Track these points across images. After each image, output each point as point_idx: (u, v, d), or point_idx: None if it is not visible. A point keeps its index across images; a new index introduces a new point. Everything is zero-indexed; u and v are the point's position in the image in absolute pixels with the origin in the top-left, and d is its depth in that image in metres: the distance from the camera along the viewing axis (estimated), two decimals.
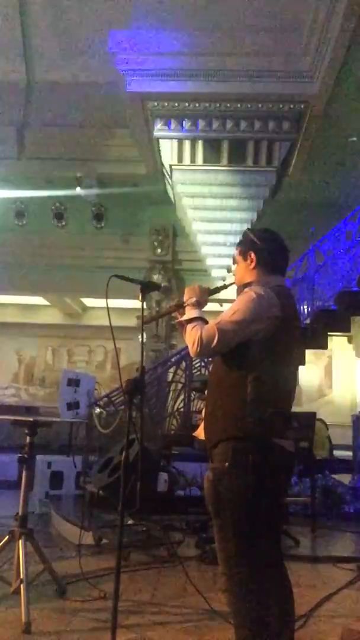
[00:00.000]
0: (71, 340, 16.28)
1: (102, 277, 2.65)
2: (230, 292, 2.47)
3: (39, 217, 11.89)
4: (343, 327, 7.92)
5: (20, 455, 3.48)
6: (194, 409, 7.35)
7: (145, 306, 2.79)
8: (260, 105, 8.54)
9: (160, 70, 8.28)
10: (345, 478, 7.32)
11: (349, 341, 13.47)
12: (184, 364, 7.56)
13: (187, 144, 8.99)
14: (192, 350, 2.19)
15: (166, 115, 8.78)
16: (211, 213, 9.33)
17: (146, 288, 2.74)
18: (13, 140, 10.15)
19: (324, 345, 7.92)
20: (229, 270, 9.26)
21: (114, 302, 2.68)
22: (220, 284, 2.65)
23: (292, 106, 8.51)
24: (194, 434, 2.30)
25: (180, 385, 7.54)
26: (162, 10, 8.19)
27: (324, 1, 7.16)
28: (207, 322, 2.25)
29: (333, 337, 11.08)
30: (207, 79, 8.33)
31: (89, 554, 4.54)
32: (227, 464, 2.11)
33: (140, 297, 2.71)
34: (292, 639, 2.14)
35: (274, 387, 2.18)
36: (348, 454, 8.13)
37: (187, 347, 2.28)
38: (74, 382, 7.50)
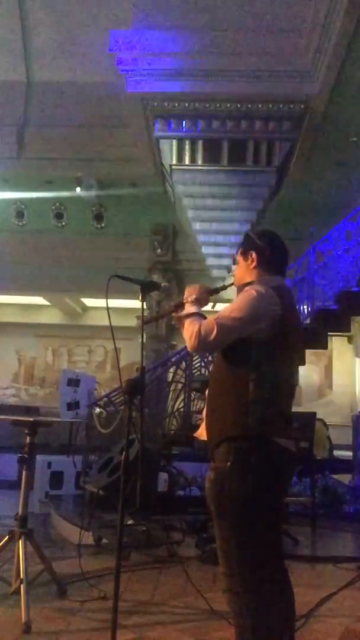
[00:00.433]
0: (71, 340, 16.28)
1: (102, 277, 2.64)
2: (229, 292, 2.47)
3: (39, 217, 11.89)
4: (343, 327, 7.93)
5: (20, 455, 3.48)
6: (194, 409, 7.36)
7: (145, 306, 2.79)
8: (260, 105, 8.54)
9: (160, 70, 8.29)
10: (345, 478, 7.32)
11: (349, 341, 13.48)
12: (184, 364, 7.56)
13: (187, 144, 8.99)
14: (190, 343, 2.19)
15: (166, 115, 8.79)
16: (211, 213, 9.34)
17: (146, 288, 2.74)
18: (13, 140, 10.16)
19: (324, 345, 7.93)
20: (229, 271, 9.27)
21: (114, 302, 2.68)
22: (220, 284, 2.65)
23: (292, 106, 8.51)
24: (194, 435, 2.30)
25: (180, 385, 7.55)
26: (162, 10, 8.20)
27: (324, 1, 7.16)
28: (205, 318, 2.25)
29: (333, 337, 11.09)
30: (207, 79, 8.34)
31: (89, 554, 4.54)
32: (228, 464, 2.10)
33: (140, 297, 2.71)
34: (293, 639, 2.14)
35: (275, 387, 2.18)
36: (348, 454, 8.12)
37: (187, 347, 2.28)
38: (74, 382, 7.50)
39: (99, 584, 3.71)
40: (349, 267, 7.86)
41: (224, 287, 2.54)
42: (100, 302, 14.34)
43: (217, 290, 2.50)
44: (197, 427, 2.40)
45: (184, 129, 8.84)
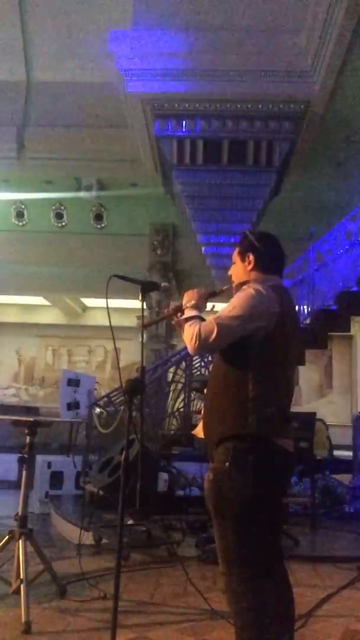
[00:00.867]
0: (71, 340, 16.29)
1: (102, 277, 2.65)
2: (226, 295, 2.48)
3: (39, 217, 11.90)
4: (343, 327, 7.93)
5: (20, 455, 3.48)
6: (194, 409, 7.36)
7: (145, 306, 2.79)
8: (260, 105, 8.54)
9: (160, 70, 8.28)
10: (345, 478, 7.32)
11: (349, 341, 13.49)
12: (184, 364, 7.56)
13: (187, 144, 8.99)
14: (191, 345, 2.19)
15: (166, 115, 8.78)
16: (211, 213, 9.33)
17: (146, 288, 2.74)
18: (13, 140, 10.15)
19: (324, 345, 7.93)
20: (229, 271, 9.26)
21: (114, 302, 2.69)
22: (220, 285, 2.65)
23: (292, 106, 8.51)
24: (192, 432, 2.30)
25: (180, 385, 7.55)
26: (162, 10, 8.19)
27: (324, 1, 7.15)
28: (204, 320, 2.26)
29: (333, 337, 11.10)
30: (207, 79, 8.33)
31: (89, 554, 4.54)
32: (227, 463, 2.11)
33: (140, 297, 2.71)
34: (293, 639, 2.14)
35: (274, 386, 2.18)
36: (348, 454, 8.12)
37: (187, 347, 2.28)
38: (74, 382, 7.51)
39: (99, 584, 3.71)
40: (349, 267, 7.87)
41: (222, 291, 2.54)
42: (100, 302, 14.37)
43: (215, 294, 2.51)
44: (197, 426, 2.40)
45: (184, 129, 8.83)
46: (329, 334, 8.11)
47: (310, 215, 10.05)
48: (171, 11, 8.18)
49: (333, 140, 9.04)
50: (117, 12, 8.66)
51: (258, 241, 2.39)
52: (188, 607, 3.41)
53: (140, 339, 2.79)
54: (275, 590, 2.11)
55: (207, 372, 7.34)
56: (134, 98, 8.54)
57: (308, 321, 7.77)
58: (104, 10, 9.00)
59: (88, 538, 4.82)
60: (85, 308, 15.77)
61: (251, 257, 2.36)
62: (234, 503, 2.08)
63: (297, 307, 7.77)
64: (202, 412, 2.36)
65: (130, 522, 4.81)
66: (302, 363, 7.45)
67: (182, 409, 7.40)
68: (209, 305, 2.56)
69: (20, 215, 11.92)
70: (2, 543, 3.41)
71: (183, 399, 7.48)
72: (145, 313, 2.84)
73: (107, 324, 2.63)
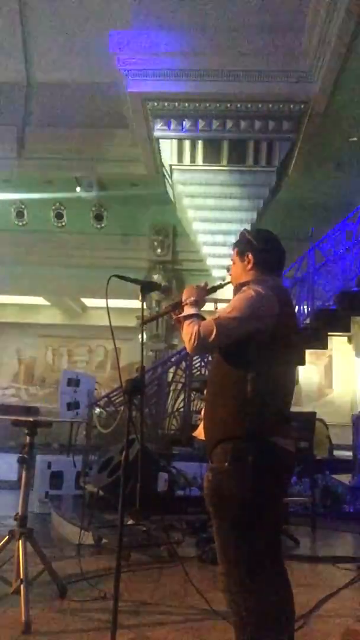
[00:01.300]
0: (71, 340, 16.28)
1: (102, 277, 2.64)
2: (227, 292, 2.47)
3: (39, 217, 11.90)
4: (343, 327, 7.92)
5: (20, 455, 3.48)
6: (194, 409, 7.35)
7: (145, 306, 2.80)
8: (260, 105, 8.54)
9: (160, 70, 8.29)
10: (345, 478, 7.32)
11: (349, 341, 13.48)
12: (184, 364, 7.56)
13: (187, 144, 8.99)
14: (189, 345, 2.18)
15: (166, 115, 8.78)
16: (211, 213, 9.33)
17: (146, 288, 2.74)
18: (13, 140, 10.15)
19: (324, 345, 7.92)
20: (228, 270, 9.25)
21: (114, 302, 2.68)
22: (218, 282, 2.65)
23: (292, 106, 8.51)
24: (193, 434, 2.29)
25: (180, 385, 7.54)
26: (162, 10, 8.19)
27: (324, 1, 7.16)
28: (204, 319, 2.25)
29: (333, 337, 11.08)
30: (207, 79, 8.33)
31: (89, 554, 4.55)
32: (226, 464, 2.10)
33: (140, 297, 2.71)
34: (292, 639, 2.14)
35: (274, 387, 2.18)
36: (348, 454, 8.13)
37: (186, 348, 2.28)
38: (74, 382, 7.51)
39: (99, 584, 3.71)
40: (349, 267, 7.86)
41: (222, 286, 2.54)
42: (100, 302, 14.34)
43: (214, 289, 2.50)
44: (197, 426, 2.39)
45: (184, 129, 8.84)
46: (329, 334, 8.09)
47: (310, 215, 10.03)
48: (171, 11, 8.18)
49: (333, 140, 9.04)
50: (117, 12, 8.67)
51: (256, 240, 2.38)
52: (188, 607, 3.41)
53: (140, 339, 2.79)
54: (274, 590, 2.11)
55: (207, 372, 7.34)
56: (134, 98, 8.54)
57: (308, 321, 7.76)
58: (104, 10, 9.01)
59: (88, 538, 4.82)
60: (85, 308, 15.75)
61: (250, 256, 2.35)
62: (234, 503, 2.08)
63: (297, 307, 7.77)
64: (202, 412, 2.35)
65: (130, 522, 4.81)
66: (302, 363, 7.44)
67: (182, 409, 7.40)
68: (212, 305, 2.56)
69: (20, 215, 11.92)
70: (2, 543, 3.41)
71: (183, 399, 7.47)
72: (145, 313, 2.84)
73: (107, 324, 2.63)
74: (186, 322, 2.25)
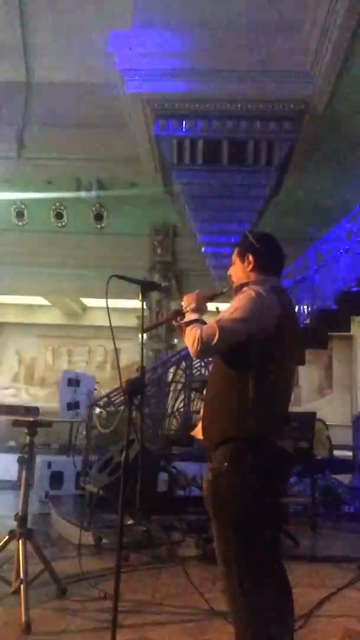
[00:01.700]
0: (71, 340, 16.29)
1: (102, 277, 2.64)
2: (228, 295, 2.47)
3: (39, 217, 11.90)
4: (343, 327, 7.94)
5: (20, 455, 3.49)
6: (194, 409, 7.35)
7: (145, 306, 2.79)
8: (260, 105, 8.54)
9: (160, 70, 8.28)
10: (345, 478, 7.32)
11: (349, 341, 13.50)
12: (184, 364, 7.56)
13: (187, 144, 8.99)
14: (193, 349, 2.19)
15: (166, 115, 8.78)
16: (211, 213, 9.33)
17: (146, 288, 2.74)
18: (13, 140, 10.16)
19: (324, 345, 7.93)
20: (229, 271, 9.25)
21: (114, 302, 2.69)
22: (220, 285, 2.65)
23: (292, 106, 8.51)
24: (191, 433, 2.30)
25: (180, 385, 7.55)
26: (162, 10, 8.19)
27: (324, 1, 7.16)
28: (205, 324, 2.25)
29: (333, 337, 11.10)
30: (207, 79, 8.33)
31: (89, 554, 4.54)
32: (226, 464, 2.11)
33: (140, 297, 2.71)
34: (292, 638, 2.14)
35: (274, 388, 2.18)
36: (348, 454, 8.13)
37: (187, 347, 2.28)
38: (74, 382, 7.51)
39: (99, 584, 3.71)
40: (349, 267, 7.86)
41: (222, 293, 2.54)
42: (100, 302, 14.37)
43: (215, 296, 2.50)
44: (196, 426, 2.39)
45: (184, 129, 8.83)
46: (329, 334, 8.10)
47: (310, 215, 10.04)
48: (171, 11, 8.18)
49: (333, 140, 9.04)
50: (117, 12, 8.66)
51: (257, 242, 2.38)
52: (188, 607, 3.40)
53: (140, 339, 2.79)
54: (275, 590, 2.11)
55: (207, 372, 7.34)
56: (134, 98, 8.54)
57: (308, 321, 7.77)
58: (104, 10, 9.00)
59: (88, 538, 4.82)
60: (85, 308, 15.77)
61: (251, 257, 2.36)
62: (233, 504, 2.08)
63: (297, 307, 7.77)
64: (201, 413, 2.36)
65: (130, 522, 4.80)
66: (302, 363, 7.44)
67: (182, 409, 7.40)
68: (213, 306, 2.56)
69: (20, 215, 11.92)
70: (2, 543, 3.41)
71: (183, 399, 7.47)
72: (145, 313, 2.85)
73: (107, 324, 2.63)
74: (188, 328, 2.26)
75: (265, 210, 9.57)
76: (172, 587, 3.81)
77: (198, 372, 7.69)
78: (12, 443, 10.47)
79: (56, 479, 6.95)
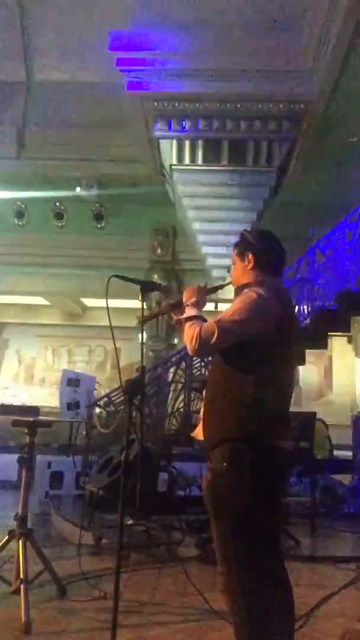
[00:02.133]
0: (71, 340, 16.29)
1: (102, 277, 2.65)
2: (228, 292, 2.47)
3: (39, 217, 11.90)
4: (343, 327, 7.94)
5: (20, 455, 3.48)
6: (194, 409, 7.35)
7: (145, 306, 2.79)
8: (260, 105, 8.55)
9: (160, 70, 8.29)
10: (345, 478, 7.32)
11: (349, 341, 13.49)
12: (184, 364, 7.55)
13: (187, 144, 8.99)
14: (190, 346, 2.18)
15: (166, 115, 8.79)
16: (211, 213, 9.34)
17: (146, 288, 2.73)
18: (13, 140, 10.16)
19: (324, 345, 7.93)
20: (228, 270, 9.24)
21: (114, 302, 2.68)
22: (218, 283, 2.65)
23: (292, 106, 8.52)
24: (191, 434, 2.29)
25: (180, 385, 7.54)
26: (162, 10, 8.19)
27: (324, 1, 7.16)
28: (206, 321, 2.25)
29: (333, 337, 11.10)
30: (207, 79, 8.34)
31: (89, 554, 4.54)
32: (225, 464, 2.11)
33: (140, 297, 2.71)
34: (292, 638, 2.14)
35: (274, 388, 2.18)
36: (348, 454, 8.12)
37: (187, 350, 2.27)
38: (74, 382, 7.51)
39: (99, 584, 3.71)
40: (349, 267, 7.86)
41: (222, 286, 2.53)
42: (100, 302, 14.34)
43: (215, 289, 2.49)
44: (197, 426, 2.39)
45: (184, 129, 8.84)
46: (329, 334, 8.10)
47: (310, 215, 10.03)
48: (171, 11, 8.18)
49: (333, 140, 9.05)
50: (117, 12, 8.66)
51: (256, 240, 2.37)
52: (188, 607, 3.40)
53: (140, 339, 2.79)
54: (274, 590, 2.11)
55: (207, 372, 7.33)
56: (134, 98, 8.54)
57: (308, 321, 7.77)
58: (104, 10, 9.00)
59: (88, 538, 4.82)
60: (85, 308, 15.76)
61: (250, 256, 2.34)
62: (232, 504, 2.08)
63: (297, 307, 7.77)
64: (201, 413, 2.35)
65: (130, 522, 4.80)
66: (302, 363, 7.45)
67: (182, 409, 7.39)
68: (212, 305, 2.55)
69: (20, 215, 11.93)
70: (2, 543, 3.41)
71: (183, 399, 7.47)
72: (145, 313, 2.84)
73: (107, 324, 2.63)
74: (187, 324, 2.25)
75: (265, 210, 9.57)
76: (172, 587, 3.80)
77: (198, 372, 7.68)
78: (12, 443, 10.46)
79: (56, 479, 6.95)
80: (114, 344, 2.76)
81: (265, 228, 2.62)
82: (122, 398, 6.60)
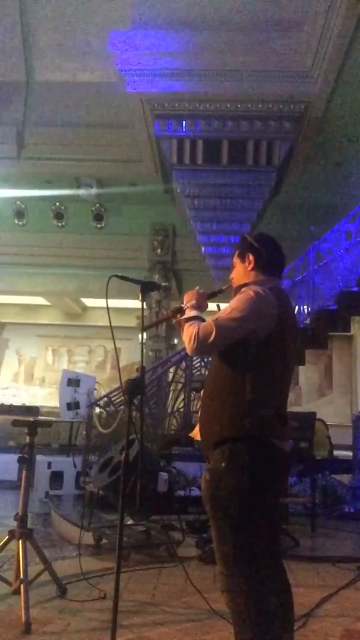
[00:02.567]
0: (71, 340, 16.28)
1: (102, 277, 2.65)
2: (228, 293, 2.48)
3: (39, 217, 11.91)
4: (343, 327, 7.93)
5: (20, 455, 3.48)
6: (194, 409, 7.35)
7: (145, 306, 2.79)
8: (260, 105, 8.54)
9: (160, 70, 8.29)
10: (345, 478, 7.31)
11: (349, 341, 13.50)
12: (184, 364, 7.55)
13: (187, 144, 8.99)
14: (189, 346, 2.19)
15: (166, 115, 8.78)
16: (211, 213, 9.33)
17: (146, 288, 2.73)
18: (13, 140, 10.16)
19: (324, 345, 7.92)
20: (230, 270, 9.25)
21: (114, 302, 2.68)
22: (220, 285, 2.65)
23: (292, 106, 8.51)
24: (190, 434, 2.29)
25: (180, 385, 7.54)
26: (162, 10, 8.19)
27: (324, 1, 7.16)
28: (204, 321, 2.26)
29: (333, 337, 11.10)
30: (207, 79, 8.34)
31: (89, 554, 4.54)
32: (223, 464, 2.11)
33: (140, 297, 2.71)
34: (292, 639, 2.14)
35: (272, 388, 2.18)
36: (348, 454, 8.12)
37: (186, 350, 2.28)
38: (74, 382, 7.52)
39: (99, 584, 3.71)
40: (349, 267, 7.86)
41: (222, 290, 2.54)
42: (100, 302, 14.36)
43: (215, 294, 2.51)
44: (196, 426, 2.39)
45: (184, 129, 8.84)
46: (329, 334, 8.09)
47: (310, 215, 10.05)
48: (171, 11, 8.19)
49: (333, 140, 9.05)
50: (117, 12, 8.67)
51: (257, 242, 2.40)
52: (188, 607, 3.41)
53: (140, 339, 2.79)
54: (274, 590, 2.11)
55: (207, 372, 7.33)
56: (134, 98, 8.54)
57: (308, 321, 7.76)
58: (104, 10, 9.01)
59: (88, 538, 4.82)
60: (85, 308, 15.76)
61: (251, 257, 2.37)
62: (231, 503, 2.09)
63: (297, 307, 7.76)
64: (199, 413, 2.36)
65: (130, 522, 4.80)
66: (302, 363, 7.46)
67: (182, 409, 7.39)
68: (214, 305, 2.56)
69: (20, 215, 11.93)
70: (2, 543, 3.41)
71: (183, 399, 7.47)
72: (145, 313, 2.84)
73: (107, 324, 2.63)
74: (186, 325, 2.26)
75: (265, 210, 9.57)
76: (172, 587, 3.80)
77: (198, 372, 7.69)
78: (12, 443, 10.47)
79: (56, 479, 6.96)
80: (114, 344, 2.76)
81: (266, 229, 2.63)
82: (122, 398, 6.60)
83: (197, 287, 2.49)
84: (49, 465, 6.99)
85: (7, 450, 9.30)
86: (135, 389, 2.54)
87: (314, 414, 6.56)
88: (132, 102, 8.65)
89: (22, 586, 3.10)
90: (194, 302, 2.36)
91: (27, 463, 3.47)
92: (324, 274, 8.11)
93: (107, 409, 7.16)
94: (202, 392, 2.42)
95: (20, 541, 3.31)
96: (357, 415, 8.11)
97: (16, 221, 11.95)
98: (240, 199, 9.28)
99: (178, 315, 2.40)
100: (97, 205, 11.70)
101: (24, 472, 3.48)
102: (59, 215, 11.90)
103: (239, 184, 9.16)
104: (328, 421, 8.94)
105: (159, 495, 5.03)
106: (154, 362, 9.56)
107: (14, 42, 9.94)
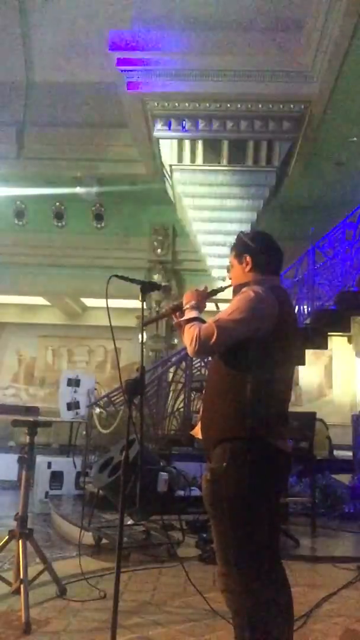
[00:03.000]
0: (71, 340, 16.27)
1: (102, 277, 2.65)
2: (228, 293, 2.47)
3: (39, 217, 11.91)
4: (343, 327, 7.91)
5: (20, 455, 3.48)
6: (194, 409, 7.35)
7: (145, 306, 2.79)
8: (260, 105, 8.54)
9: (160, 70, 8.29)
10: (345, 478, 7.31)
11: (349, 341, 13.48)
12: (184, 364, 7.55)
13: (187, 144, 8.99)
14: (190, 348, 2.19)
15: (166, 115, 8.78)
16: (211, 213, 9.33)
17: (146, 288, 2.74)
18: (13, 140, 10.16)
19: (324, 345, 7.91)
20: (228, 270, 9.24)
21: (114, 302, 2.68)
22: (218, 285, 2.65)
23: (292, 106, 8.51)
24: (191, 433, 2.30)
25: (180, 385, 7.54)
26: (162, 10, 8.19)
27: (324, 1, 7.15)
28: (205, 322, 2.26)
29: (333, 337, 11.08)
30: (207, 79, 8.33)
31: (89, 554, 4.54)
32: (224, 464, 2.11)
33: (140, 297, 2.71)
34: (292, 639, 2.14)
35: (273, 388, 2.18)
36: (348, 454, 8.12)
37: (187, 351, 2.28)
38: (74, 382, 7.53)
39: (99, 584, 3.71)
40: (348, 267, 7.85)
41: (222, 289, 2.54)
42: (100, 302, 14.33)
43: (214, 293, 2.50)
44: (196, 426, 2.39)
45: (184, 129, 8.83)
46: (329, 334, 8.09)
47: (310, 215, 10.04)
48: (171, 11, 8.18)
49: (333, 140, 9.04)
50: (117, 12, 8.66)
51: (252, 241, 2.38)
52: (188, 607, 3.41)
53: (140, 339, 2.79)
54: (274, 590, 2.11)
55: (207, 372, 7.32)
56: (134, 98, 8.54)
57: (308, 321, 7.76)
58: (104, 10, 9.00)
59: (88, 538, 4.82)
60: (85, 308, 15.74)
61: (248, 258, 2.36)
62: (231, 503, 2.09)
63: (297, 307, 7.75)
64: (200, 412, 2.36)
65: (130, 522, 4.81)
66: (302, 363, 7.45)
67: (182, 409, 7.39)
68: (213, 306, 2.55)
69: (20, 215, 11.93)
70: (2, 543, 3.42)
71: (183, 399, 7.47)
72: (145, 313, 2.84)
73: (107, 324, 2.63)
74: (187, 326, 2.26)
75: (265, 210, 9.57)
76: (172, 587, 3.81)
77: (198, 372, 7.68)
78: (12, 443, 10.47)
79: (56, 479, 6.96)
80: (114, 344, 2.76)
81: (266, 229, 2.63)
82: (122, 398, 6.61)
83: (195, 288, 2.49)
84: (49, 465, 7.00)
85: (7, 450, 9.31)
86: (135, 389, 2.54)
87: (314, 414, 6.56)
88: (132, 102, 8.65)
89: (22, 586, 3.10)
90: (193, 302, 2.36)
91: (27, 463, 3.47)
92: (324, 274, 8.11)
93: (107, 409, 7.16)
94: (202, 392, 2.42)
95: (20, 541, 3.32)
96: (357, 415, 8.12)
97: (16, 221, 11.95)
98: (240, 199, 9.28)
99: (177, 315, 2.40)
100: (97, 205, 11.70)
101: (24, 472, 3.48)
102: (59, 215, 11.90)
103: (239, 184, 9.15)
104: (328, 421, 8.95)
105: (159, 495, 5.03)
106: (154, 362, 9.56)
107: (14, 42, 9.94)
